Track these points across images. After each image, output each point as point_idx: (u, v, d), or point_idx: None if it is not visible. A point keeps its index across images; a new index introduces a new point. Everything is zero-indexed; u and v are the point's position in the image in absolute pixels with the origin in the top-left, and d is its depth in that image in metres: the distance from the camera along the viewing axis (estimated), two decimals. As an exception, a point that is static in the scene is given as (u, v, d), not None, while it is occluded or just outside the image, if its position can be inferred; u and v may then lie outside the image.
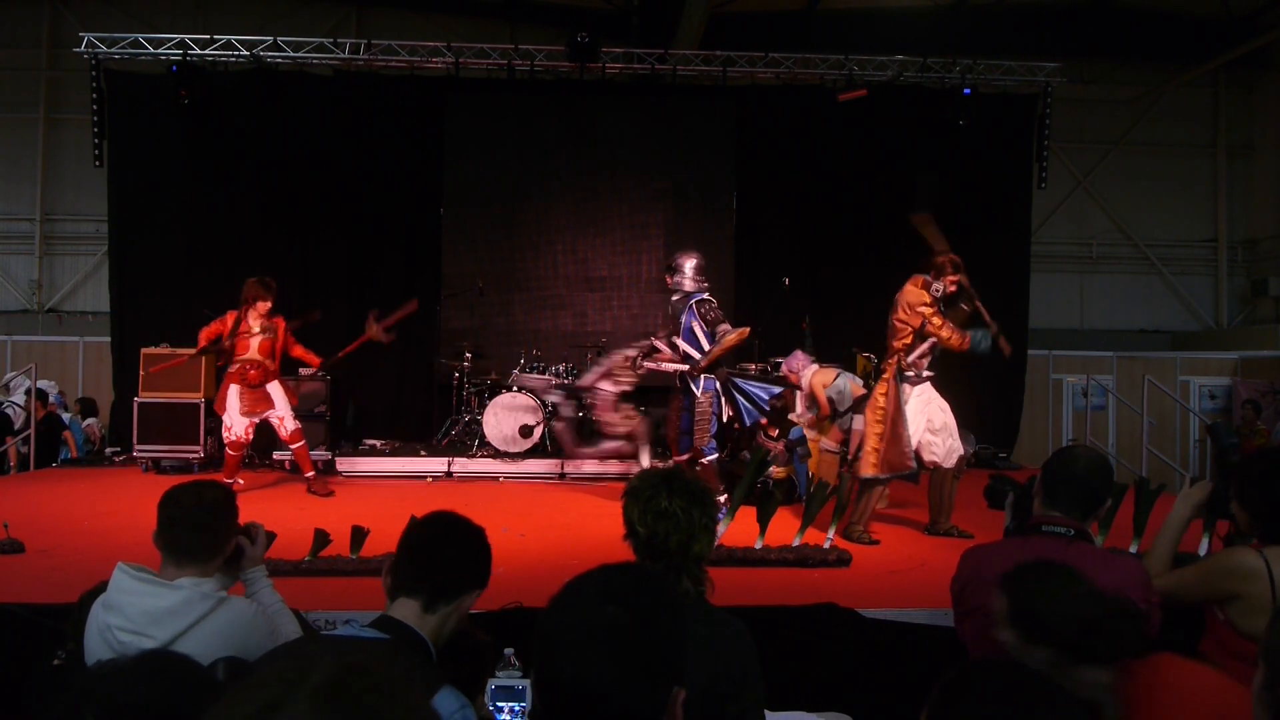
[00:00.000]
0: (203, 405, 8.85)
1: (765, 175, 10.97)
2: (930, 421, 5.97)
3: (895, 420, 5.82)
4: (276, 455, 8.80)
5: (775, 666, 3.13)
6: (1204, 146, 15.56)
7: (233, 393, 7.27)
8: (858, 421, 7.36)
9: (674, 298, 6.86)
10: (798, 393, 7.48)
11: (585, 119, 11.01)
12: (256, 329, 7.24)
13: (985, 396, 10.73)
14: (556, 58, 10.63)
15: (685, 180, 10.99)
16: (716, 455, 6.76)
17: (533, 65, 10.69)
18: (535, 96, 10.96)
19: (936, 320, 5.82)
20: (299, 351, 7.55)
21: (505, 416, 8.83)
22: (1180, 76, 14.65)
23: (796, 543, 5.46)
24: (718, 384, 6.64)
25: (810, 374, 7.41)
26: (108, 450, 10.42)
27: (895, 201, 10.65)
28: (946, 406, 6.07)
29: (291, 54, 10.48)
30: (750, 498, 5.64)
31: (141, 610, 2.19)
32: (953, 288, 5.91)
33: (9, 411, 10.63)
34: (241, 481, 7.51)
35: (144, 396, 8.80)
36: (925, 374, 5.98)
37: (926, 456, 6.00)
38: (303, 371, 8.59)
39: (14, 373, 10.85)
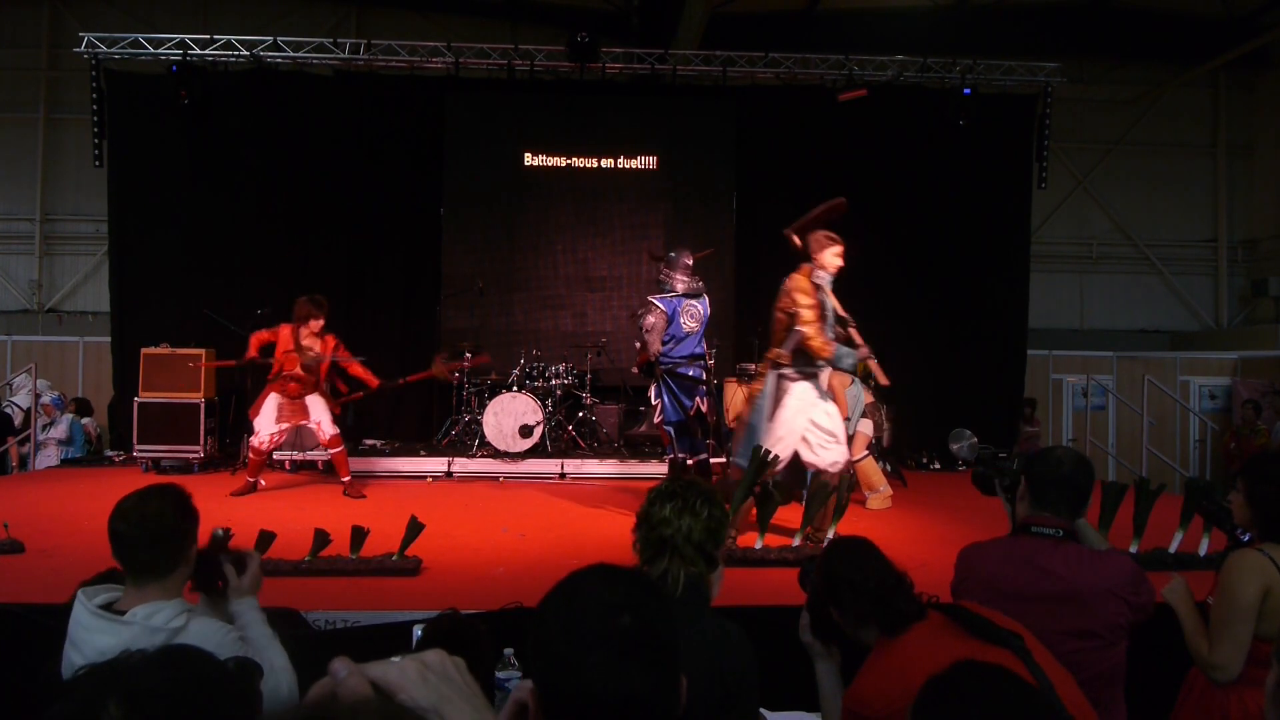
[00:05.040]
0: (202, 405, 8.85)
1: (765, 175, 10.96)
2: (814, 422, 5.66)
3: (754, 413, 5.72)
4: (277, 456, 8.80)
5: (775, 666, 3.13)
6: (1204, 146, 15.56)
7: (270, 402, 7.34)
8: (864, 425, 7.45)
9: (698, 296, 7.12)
10: None
11: (585, 119, 11.01)
12: (311, 348, 7.29)
13: (985, 396, 10.74)
14: (556, 58, 10.63)
15: (685, 180, 10.99)
16: (676, 455, 6.89)
17: (533, 65, 10.68)
18: (535, 96, 10.96)
19: (809, 314, 5.49)
20: (358, 370, 7.55)
21: (505, 416, 8.83)
22: (1180, 76, 14.65)
23: (796, 543, 5.47)
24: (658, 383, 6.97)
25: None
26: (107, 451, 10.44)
27: (896, 202, 10.69)
28: (834, 411, 5.78)
29: (291, 54, 10.48)
30: (750, 498, 5.64)
31: (95, 649, 2.15)
32: (838, 260, 5.60)
33: (9, 411, 10.64)
34: (264, 482, 7.67)
35: (144, 396, 8.80)
36: (808, 370, 5.67)
37: (805, 458, 5.68)
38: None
39: (18, 372, 10.85)
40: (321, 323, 7.35)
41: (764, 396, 5.71)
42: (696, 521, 2.21)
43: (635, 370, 7.39)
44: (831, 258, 5.61)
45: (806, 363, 5.65)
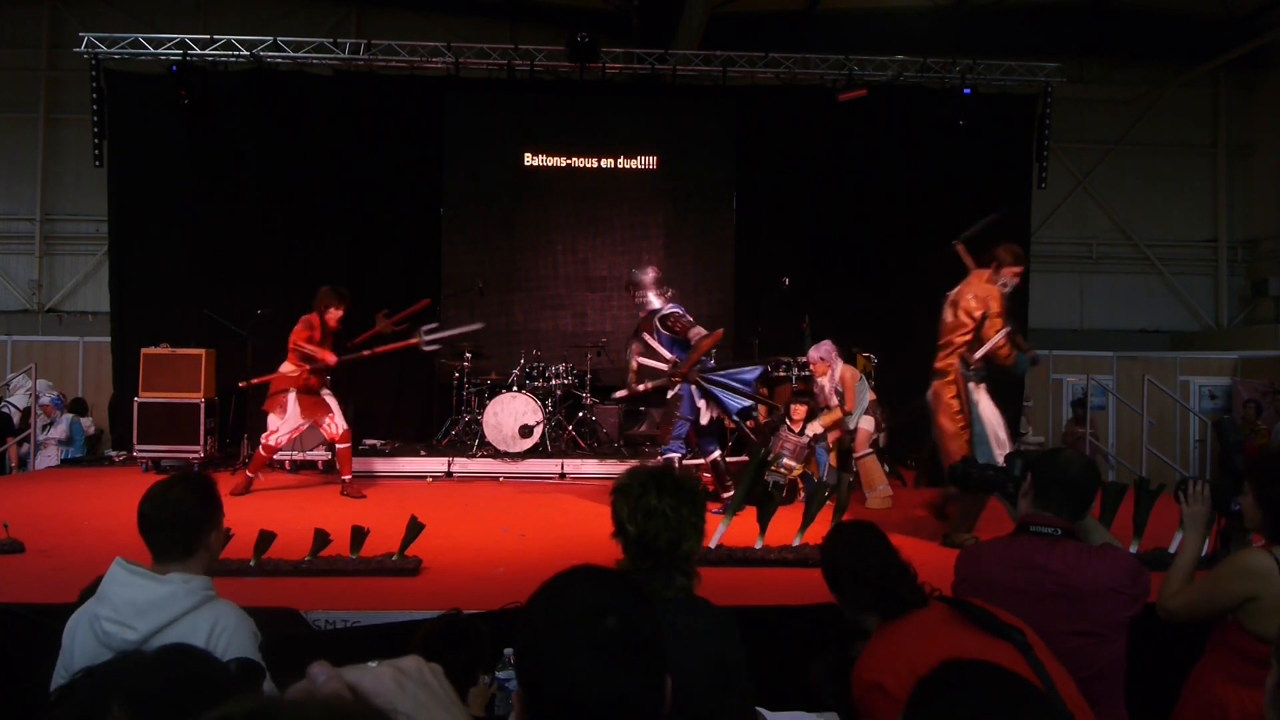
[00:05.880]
0: (202, 405, 8.85)
1: (765, 175, 10.95)
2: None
3: (973, 424, 5.66)
4: (277, 456, 8.78)
5: (775, 666, 3.12)
6: (1204, 146, 15.56)
7: (292, 398, 7.23)
8: (866, 422, 7.46)
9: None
10: (823, 381, 7.49)
11: (585, 119, 11.00)
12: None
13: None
14: (556, 58, 10.62)
15: (685, 180, 10.98)
16: (679, 455, 6.87)
17: (533, 65, 10.68)
18: (535, 96, 10.95)
19: (1000, 322, 5.63)
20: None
21: (505, 416, 8.83)
22: (1180, 76, 14.65)
23: (796, 543, 5.46)
24: (693, 387, 6.83)
25: (842, 366, 7.48)
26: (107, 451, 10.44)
27: (895, 202, 10.68)
28: None
29: (291, 54, 10.47)
30: (750, 498, 5.64)
31: (128, 601, 2.21)
32: (1016, 279, 5.75)
33: (7, 411, 10.64)
34: (260, 477, 7.60)
35: (144, 396, 8.80)
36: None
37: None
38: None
39: (18, 372, 10.85)
40: (341, 313, 7.28)
41: (975, 405, 5.78)
42: (692, 542, 2.22)
43: (676, 381, 7.06)
44: (1012, 274, 5.74)
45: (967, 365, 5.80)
